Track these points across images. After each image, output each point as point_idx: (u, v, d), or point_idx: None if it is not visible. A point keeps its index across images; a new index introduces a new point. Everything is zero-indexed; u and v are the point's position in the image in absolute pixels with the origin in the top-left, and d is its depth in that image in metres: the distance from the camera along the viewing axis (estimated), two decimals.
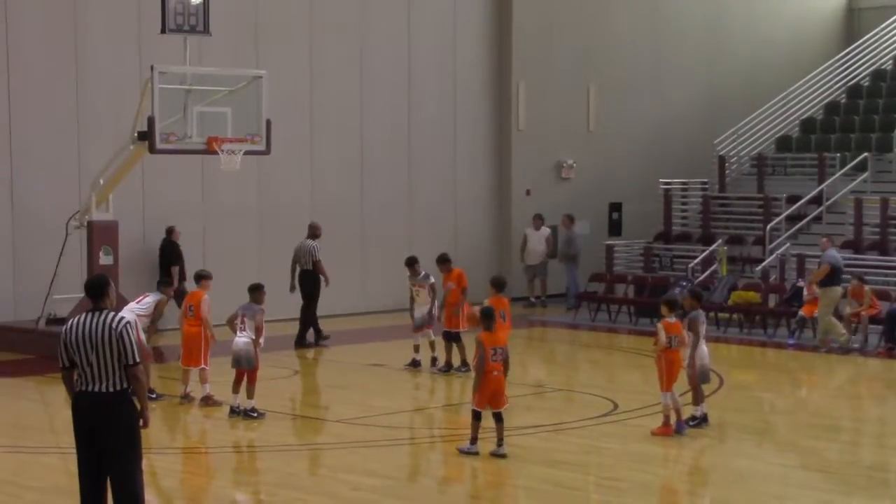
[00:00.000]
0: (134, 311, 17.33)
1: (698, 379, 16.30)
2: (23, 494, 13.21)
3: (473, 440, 14.71)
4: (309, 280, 23.76)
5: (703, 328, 16.32)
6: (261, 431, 16.41)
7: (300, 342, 23.63)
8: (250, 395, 16.90)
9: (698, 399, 16.46)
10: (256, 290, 17.19)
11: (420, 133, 29.69)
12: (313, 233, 23.96)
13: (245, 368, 16.83)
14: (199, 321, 17.83)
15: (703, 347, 16.34)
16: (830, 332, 23.41)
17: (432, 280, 20.88)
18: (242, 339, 16.86)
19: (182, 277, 23.98)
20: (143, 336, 17.00)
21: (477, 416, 14.67)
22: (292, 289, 23.67)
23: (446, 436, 15.18)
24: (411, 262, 21.09)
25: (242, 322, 16.89)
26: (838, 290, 23.67)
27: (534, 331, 26.99)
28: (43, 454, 15.08)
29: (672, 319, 16.00)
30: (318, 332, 23.92)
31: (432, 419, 17.89)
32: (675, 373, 15.92)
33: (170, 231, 24.87)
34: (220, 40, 23.20)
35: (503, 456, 14.58)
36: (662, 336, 15.84)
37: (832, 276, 23.51)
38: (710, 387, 17.85)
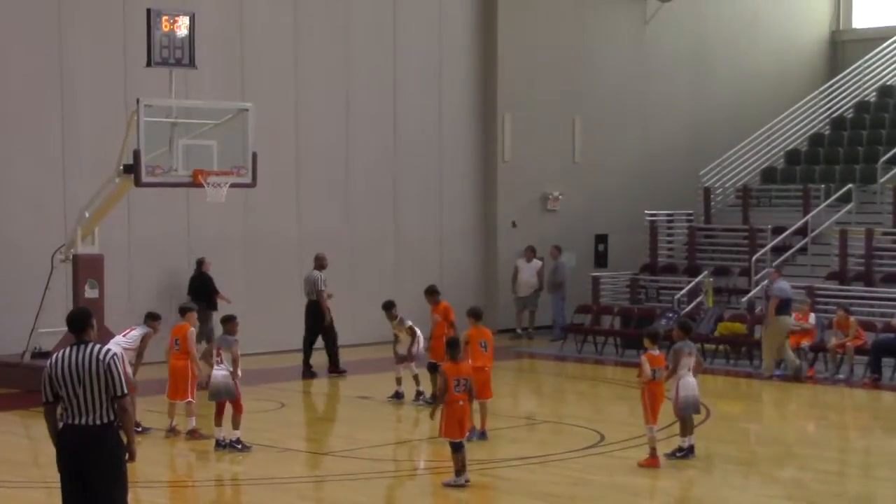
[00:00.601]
0: (121, 343, 17.31)
1: (685, 410, 16.29)
2: None
3: (458, 472, 14.68)
4: (312, 311, 23.84)
5: (689, 360, 16.31)
6: (246, 465, 16.35)
7: (305, 373, 23.72)
8: (236, 426, 16.85)
9: (685, 430, 16.44)
10: (229, 322, 17.19)
11: (406, 164, 29.71)
12: (319, 264, 24.07)
13: (226, 399, 16.80)
14: (185, 354, 17.80)
15: (690, 379, 16.32)
16: (785, 360, 23.61)
17: (409, 323, 20.85)
18: (220, 371, 16.82)
19: (214, 307, 24.50)
20: (129, 369, 16.95)
21: (457, 448, 14.65)
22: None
23: (433, 468, 15.14)
24: (387, 307, 21.10)
25: (219, 354, 16.86)
26: (789, 319, 24.11)
27: (520, 362, 26.95)
28: (28, 488, 15.02)
29: (656, 352, 16.01)
30: (334, 363, 24.00)
31: (418, 451, 17.85)
32: (659, 405, 15.91)
33: (200, 263, 25.13)
34: (206, 73, 23.23)
35: (462, 486, 14.55)
36: (647, 368, 15.83)
37: (782, 307, 23.97)
38: (697, 418, 17.84)
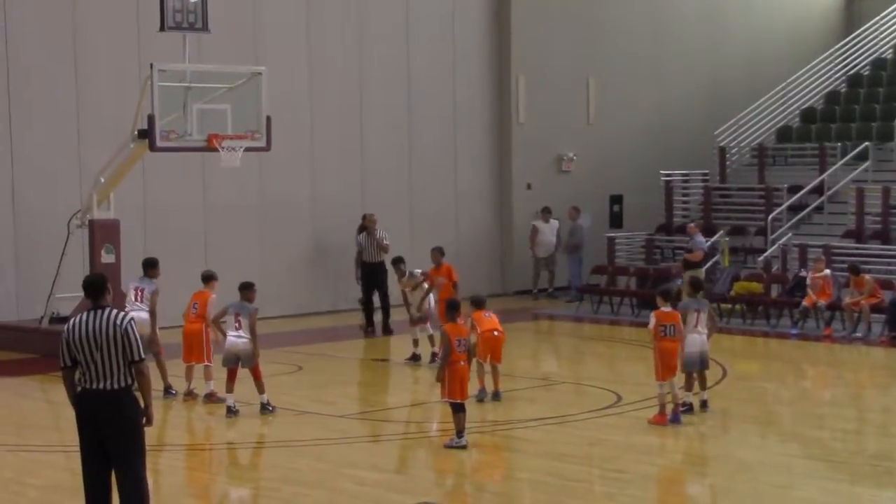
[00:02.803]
0: (144, 310, 17.75)
1: (688, 367, 16.43)
2: (27, 493, 13.23)
3: (459, 433, 14.73)
4: (374, 271, 24.50)
5: (695, 315, 16.38)
6: (263, 428, 16.42)
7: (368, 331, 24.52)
8: (262, 390, 16.91)
9: (689, 386, 16.59)
10: (248, 289, 17.12)
11: (420, 127, 29.67)
12: (362, 225, 24.61)
13: (246, 367, 16.84)
14: (201, 318, 17.81)
15: (695, 336, 16.36)
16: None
17: (418, 272, 20.86)
18: (241, 339, 16.82)
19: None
20: (156, 332, 17.23)
21: (457, 409, 14.70)
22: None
23: (448, 430, 15.17)
24: (396, 262, 21.30)
25: (237, 321, 16.86)
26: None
27: (537, 324, 26.99)
28: (47, 453, 15.10)
29: (667, 309, 16.06)
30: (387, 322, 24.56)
31: (434, 413, 17.88)
32: (670, 362, 15.94)
33: (365, 217, 25.59)
34: (220, 37, 23.17)
35: (464, 447, 14.62)
36: (651, 324, 15.96)
37: (698, 263, 25.91)
38: (714, 377, 17.87)
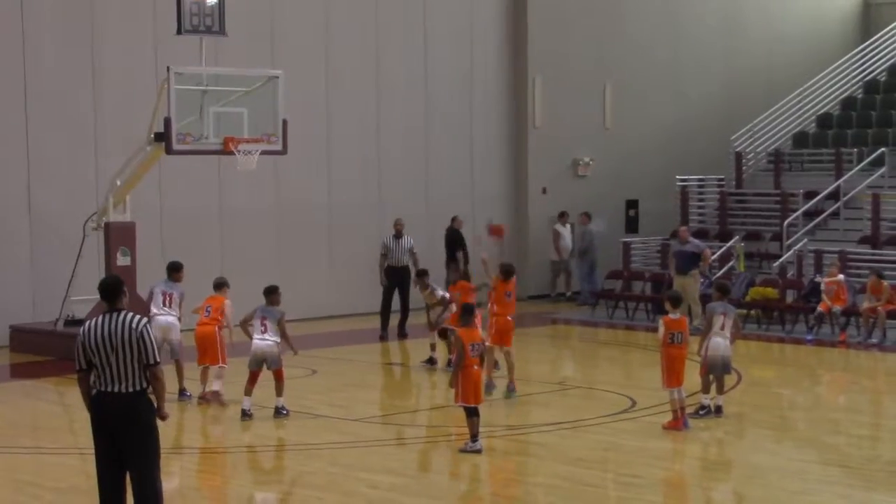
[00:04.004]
0: (174, 314, 18.06)
1: (711, 370, 16.53)
2: (43, 495, 13.25)
3: (474, 437, 14.74)
4: (399, 276, 24.63)
5: (720, 319, 16.45)
6: (279, 431, 16.43)
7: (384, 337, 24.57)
8: (280, 393, 16.98)
9: (707, 389, 16.66)
10: (273, 293, 17.21)
11: (437, 131, 29.70)
12: (397, 231, 24.74)
13: (271, 368, 16.89)
14: (214, 321, 17.91)
15: (719, 339, 16.42)
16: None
17: (440, 293, 20.85)
18: (266, 342, 16.87)
19: (466, 261, 26.32)
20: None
21: (471, 413, 14.71)
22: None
23: (463, 434, 15.16)
24: (420, 275, 21.38)
25: (263, 324, 16.91)
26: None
27: (553, 328, 26.98)
28: (63, 455, 15.13)
29: (676, 315, 16.04)
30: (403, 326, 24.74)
31: (449, 418, 17.87)
32: (677, 368, 15.91)
33: (453, 220, 27.29)
34: (236, 41, 23.22)
35: (478, 451, 14.65)
36: (660, 331, 15.97)
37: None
38: (729, 382, 17.83)
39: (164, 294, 18.27)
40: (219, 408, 17.60)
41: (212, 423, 17.25)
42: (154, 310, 17.97)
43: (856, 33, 37.35)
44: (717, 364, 16.49)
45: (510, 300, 18.25)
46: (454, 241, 27.25)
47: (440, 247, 27.22)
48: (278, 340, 16.93)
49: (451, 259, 26.34)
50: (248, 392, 16.91)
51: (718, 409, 16.59)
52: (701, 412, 16.38)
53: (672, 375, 15.85)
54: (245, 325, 17.23)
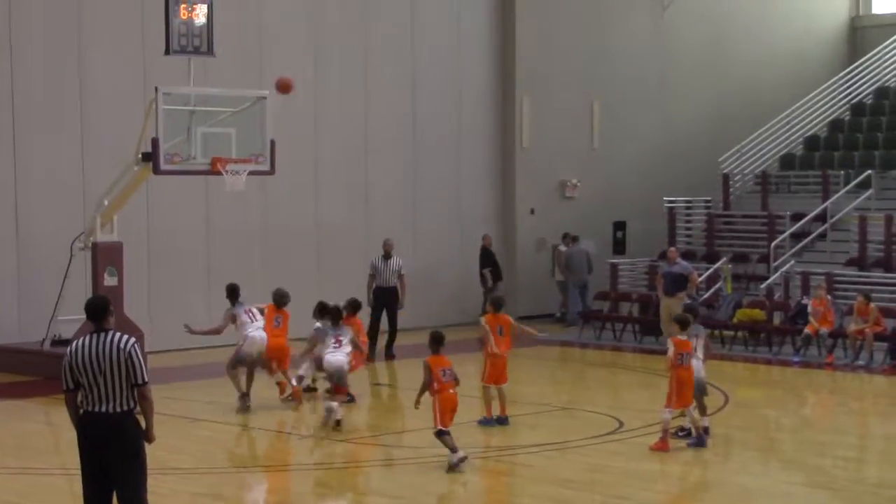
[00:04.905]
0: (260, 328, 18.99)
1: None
2: None
3: (453, 450, 14.80)
4: (386, 296, 24.76)
5: (694, 341, 16.42)
6: (265, 450, 16.39)
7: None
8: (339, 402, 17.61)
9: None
10: (341, 315, 18.16)
11: (424, 152, 29.72)
12: (386, 252, 24.76)
13: (339, 383, 17.55)
14: (284, 332, 19.08)
15: (693, 361, 16.36)
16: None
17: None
18: (339, 356, 17.59)
19: (494, 279, 28.63)
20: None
21: (442, 434, 14.83)
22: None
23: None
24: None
25: (338, 341, 17.67)
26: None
27: (539, 349, 26.90)
28: (49, 475, 15.08)
29: (683, 337, 16.10)
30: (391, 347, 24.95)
31: (435, 439, 17.86)
32: (684, 390, 15.95)
33: (484, 238, 29.16)
34: (224, 61, 23.24)
35: (465, 458, 14.78)
36: (670, 351, 16.05)
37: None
38: (715, 404, 17.83)
39: (247, 312, 19.16)
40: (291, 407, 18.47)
41: (196, 443, 17.15)
42: (248, 330, 18.93)
43: (842, 56, 37.49)
44: (697, 386, 16.48)
45: (502, 336, 17.79)
46: (485, 260, 28.83)
47: (427, 263, 27.27)
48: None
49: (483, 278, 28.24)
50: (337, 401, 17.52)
51: (706, 431, 16.57)
52: (680, 434, 16.40)
53: (680, 398, 15.90)
54: (311, 347, 18.47)
